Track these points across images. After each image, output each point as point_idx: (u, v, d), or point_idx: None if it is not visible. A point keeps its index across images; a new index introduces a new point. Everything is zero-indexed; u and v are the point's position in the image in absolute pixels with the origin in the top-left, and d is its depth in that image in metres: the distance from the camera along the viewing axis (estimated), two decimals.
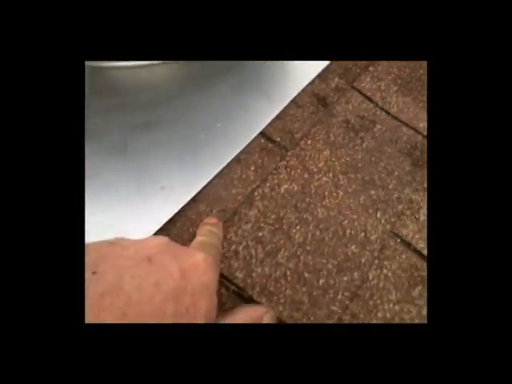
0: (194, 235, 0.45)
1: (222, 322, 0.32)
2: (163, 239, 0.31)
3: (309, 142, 0.56)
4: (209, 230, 0.41)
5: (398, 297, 0.46)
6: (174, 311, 0.26)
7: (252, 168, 0.51)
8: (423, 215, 0.52)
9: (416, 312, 0.46)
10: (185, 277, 0.28)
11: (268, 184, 0.51)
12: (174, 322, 0.26)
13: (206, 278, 0.30)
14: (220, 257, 0.38)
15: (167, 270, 0.27)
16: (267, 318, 0.35)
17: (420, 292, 0.47)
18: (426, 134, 0.59)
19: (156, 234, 0.44)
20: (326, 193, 0.52)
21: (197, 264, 0.30)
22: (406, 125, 0.60)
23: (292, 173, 0.52)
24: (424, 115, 0.61)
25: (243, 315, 0.34)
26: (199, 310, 0.28)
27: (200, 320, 0.27)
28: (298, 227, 0.48)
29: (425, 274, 0.48)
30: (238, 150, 0.51)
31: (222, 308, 0.42)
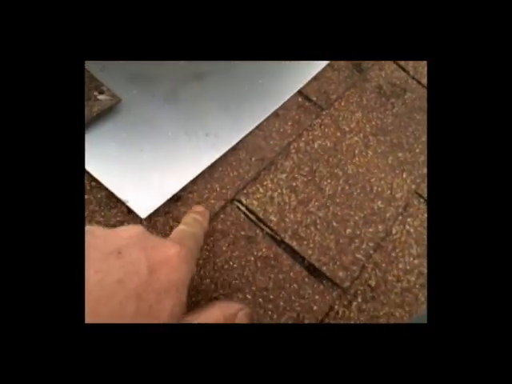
0: (234, 179, 0.46)
1: (196, 317, 0.30)
2: (137, 230, 0.29)
3: (343, 103, 0.56)
4: (193, 219, 0.38)
5: (419, 251, 0.48)
6: (135, 310, 0.24)
7: (289, 123, 0.52)
8: None
9: None
10: (153, 273, 0.26)
11: (303, 139, 0.52)
12: (134, 321, 0.24)
13: (176, 275, 0.28)
14: (199, 247, 0.35)
15: (135, 265, 0.26)
16: (241, 316, 0.32)
17: None
18: None
19: (198, 177, 0.45)
20: (357, 151, 0.53)
21: (168, 259, 0.28)
22: None
23: (326, 130, 0.53)
24: None
25: (217, 312, 0.32)
26: (163, 308, 0.26)
27: (163, 319, 0.26)
28: (329, 180, 0.49)
29: None
30: (277, 106, 0.52)
31: (255, 256, 0.44)
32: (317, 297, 0.42)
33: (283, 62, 0.56)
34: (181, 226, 0.36)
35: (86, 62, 0.46)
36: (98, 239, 0.27)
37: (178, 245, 0.30)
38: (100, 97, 0.45)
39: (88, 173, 0.42)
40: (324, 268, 0.44)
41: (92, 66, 0.47)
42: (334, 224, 0.47)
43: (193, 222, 0.38)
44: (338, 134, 0.53)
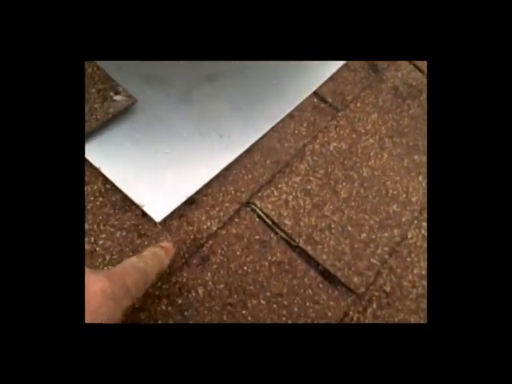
0: (248, 182, 0.44)
1: None
2: None
3: (358, 104, 0.53)
4: (152, 253, 0.34)
5: None
6: None
7: (304, 125, 0.49)
8: None
9: None
10: None
11: (318, 141, 0.49)
12: None
13: (94, 314, 0.24)
14: (145, 285, 0.31)
15: None
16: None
17: None
18: None
19: (213, 179, 0.43)
20: (372, 154, 0.50)
21: (90, 295, 0.25)
22: None
23: (341, 132, 0.50)
24: None
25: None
26: None
27: None
28: (344, 183, 0.47)
29: None
30: (292, 107, 0.50)
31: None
32: (331, 303, 0.40)
33: (298, 62, 0.53)
34: (133, 258, 0.32)
35: (102, 62, 0.44)
36: None
37: (107, 280, 0.26)
38: (116, 97, 0.43)
39: (103, 175, 0.40)
40: (339, 273, 0.42)
41: (109, 66, 0.44)
42: (349, 228, 0.45)
43: (150, 255, 0.33)
44: (354, 135, 0.51)
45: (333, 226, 0.44)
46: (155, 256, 0.34)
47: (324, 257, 0.42)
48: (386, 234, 0.45)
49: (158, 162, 0.42)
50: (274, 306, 0.39)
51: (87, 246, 0.37)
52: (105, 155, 0.40)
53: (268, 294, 0.39)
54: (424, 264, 0.44)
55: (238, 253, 0.40)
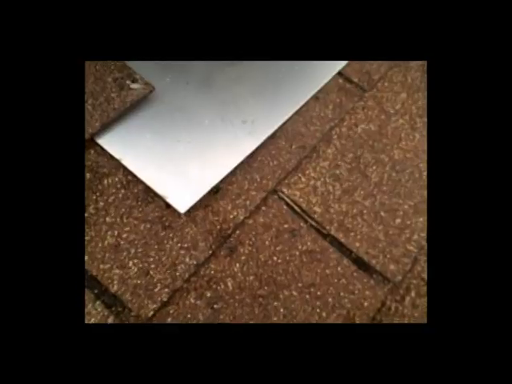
0: (274, 169, 0.42)
1: None
2: None
3: (386, 83, 0.51)
4: None
5: None
6: None
7: (330, 107, 0.47)
8: None
9: None
10: None
11: (345, 123, 0.47)
12: None
13: None
14: None
15: None
16: None
17: None
18: None
19: (237, 167, 0.41)
20: (403, 135, 0.47)
21: None
22: None
23: (369, 113, 0.48)
24: None
25: None
26: None
27: None
28: (375, 167, 0.45)
29: None
30: (317, 89, 0.47)
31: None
32: (367, 292, 0.38)
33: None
34: None
35: None
36: None
37: None
38: (133, 86, 0.42)
39: (123, 167, 0.38)
40: (373, 261, 0.40)
41: None
42: (382, 214, 0.42)
43: None
44: (383, 116, 0.48)
45: (365, 211, 0.42)
46: None
47: (357, 244, 0.40)
48: (421, 219, 0.42)
49: (179, 150, 0.40)
50: (307, 296, 0.37)
51: (111, 240, 0.35)
52: (125, 146, 0.39)
53: (300, 284, 0.37)
54: None
55: (267, 243, 0.38)
